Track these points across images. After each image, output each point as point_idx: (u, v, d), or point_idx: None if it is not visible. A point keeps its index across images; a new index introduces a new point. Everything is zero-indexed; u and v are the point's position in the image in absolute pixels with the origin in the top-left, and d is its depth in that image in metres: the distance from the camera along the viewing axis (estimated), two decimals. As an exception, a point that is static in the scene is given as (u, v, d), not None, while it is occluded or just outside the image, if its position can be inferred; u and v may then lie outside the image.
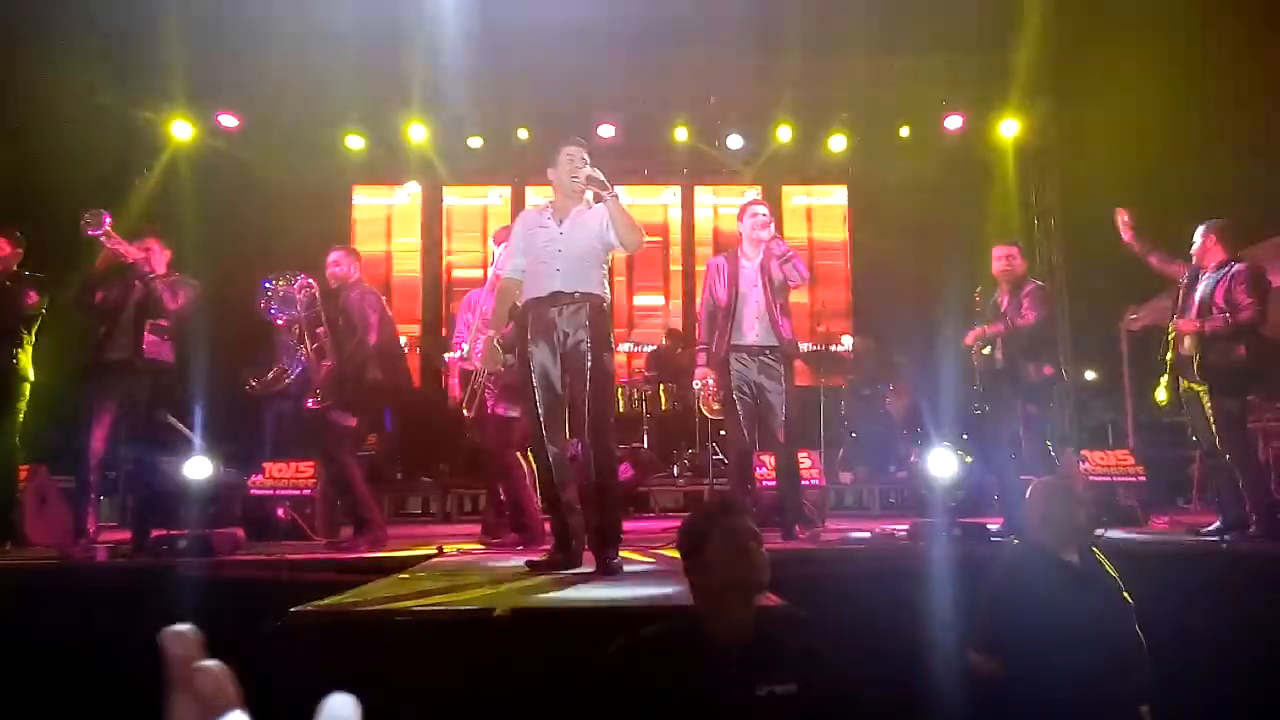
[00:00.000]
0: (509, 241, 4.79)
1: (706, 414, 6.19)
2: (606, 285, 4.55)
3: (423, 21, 8.37)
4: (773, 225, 5.60)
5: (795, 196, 11.38)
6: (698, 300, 9.33)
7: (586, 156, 4.52)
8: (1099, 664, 3.06)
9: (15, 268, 5.68)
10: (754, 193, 10.63)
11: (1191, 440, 7.57)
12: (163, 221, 8.45)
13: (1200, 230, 5.61)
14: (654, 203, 11.33)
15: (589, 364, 4.31)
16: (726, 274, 5.59)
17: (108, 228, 5.33)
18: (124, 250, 5.44)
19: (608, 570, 4.19)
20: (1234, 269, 5.43)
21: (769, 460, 5.90)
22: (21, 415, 5.67)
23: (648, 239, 4.99)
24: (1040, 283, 6.11)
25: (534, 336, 4.42)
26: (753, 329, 5.52)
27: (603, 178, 4.34)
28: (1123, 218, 5.77)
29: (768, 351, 5.51)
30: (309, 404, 5.61)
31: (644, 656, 2.41)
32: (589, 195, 4.52)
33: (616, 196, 4.37)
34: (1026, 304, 5.66)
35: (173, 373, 5.68)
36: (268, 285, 5.66)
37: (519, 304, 4.62)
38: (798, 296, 10.25)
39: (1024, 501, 3.46)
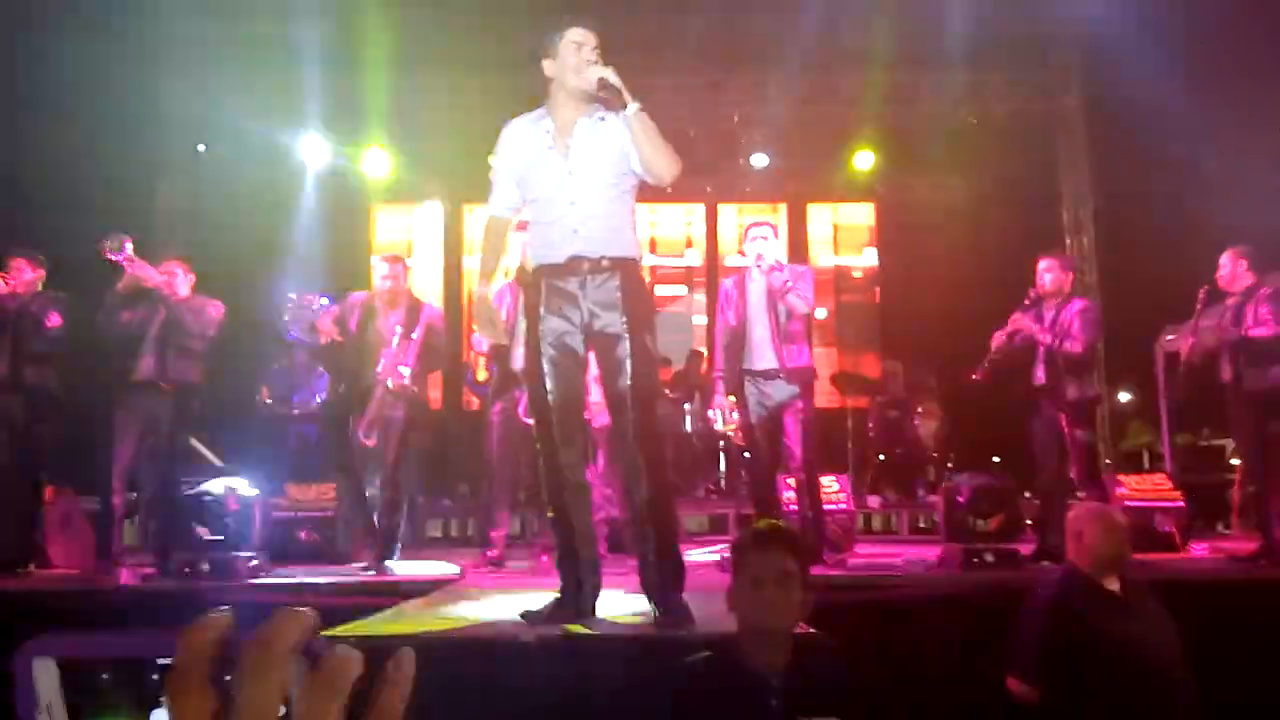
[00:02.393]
0: (495, 166, 3.66)
1: (731, 439, 6.10)
2: (637, 236, 3.62)
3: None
4: (774, 248, 5.46)
5: (821, 214, 11.30)
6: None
7: (597, 48, 3.44)
8: (1144, 692, 2.98)
9: (39, 289, 5.69)
10: (781, 211, 10.60)
11: (1230, 464, 7.47)
12: (184, 242, 8.50)
13: (1226, 255, 5.56)
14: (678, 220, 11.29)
15: (628, 350, 3.36)
16: (735, 299, 5.53)
17: (129, 252, 5.34)
18: (145, 275, 5.44)
19: (673, 615, 3.23)
20: (1260, 290, 5.40)
21: (793, 483, 5.82)
22: (47, 436, 5.66)
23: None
24: (1088, 301, 5.96)
25: (547, 314, 3.43)
26: (764, 355, 5.41)
27: (619, 82, 3.31)
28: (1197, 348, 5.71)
29: (781, 374, 5.39)
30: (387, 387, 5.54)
31: (683, 686, 2.36)
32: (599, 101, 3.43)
33: (641, 110, 3.34)
34: (1076, 327, 5.53)
35: (198, 394, 5.67)
36: (318, 302, 5.65)
37: (527, 265, 3.71)
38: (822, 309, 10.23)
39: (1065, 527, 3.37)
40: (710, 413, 5.71)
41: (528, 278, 3.66)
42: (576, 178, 3.41)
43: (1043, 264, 5.73)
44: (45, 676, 0.56)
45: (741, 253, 5.67)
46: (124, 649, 0.58)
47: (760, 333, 5.42)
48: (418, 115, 9.83)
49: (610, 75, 3.28)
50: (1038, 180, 9.97)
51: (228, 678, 0.54)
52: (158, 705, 0.56)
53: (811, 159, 10.42)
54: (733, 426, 5.62)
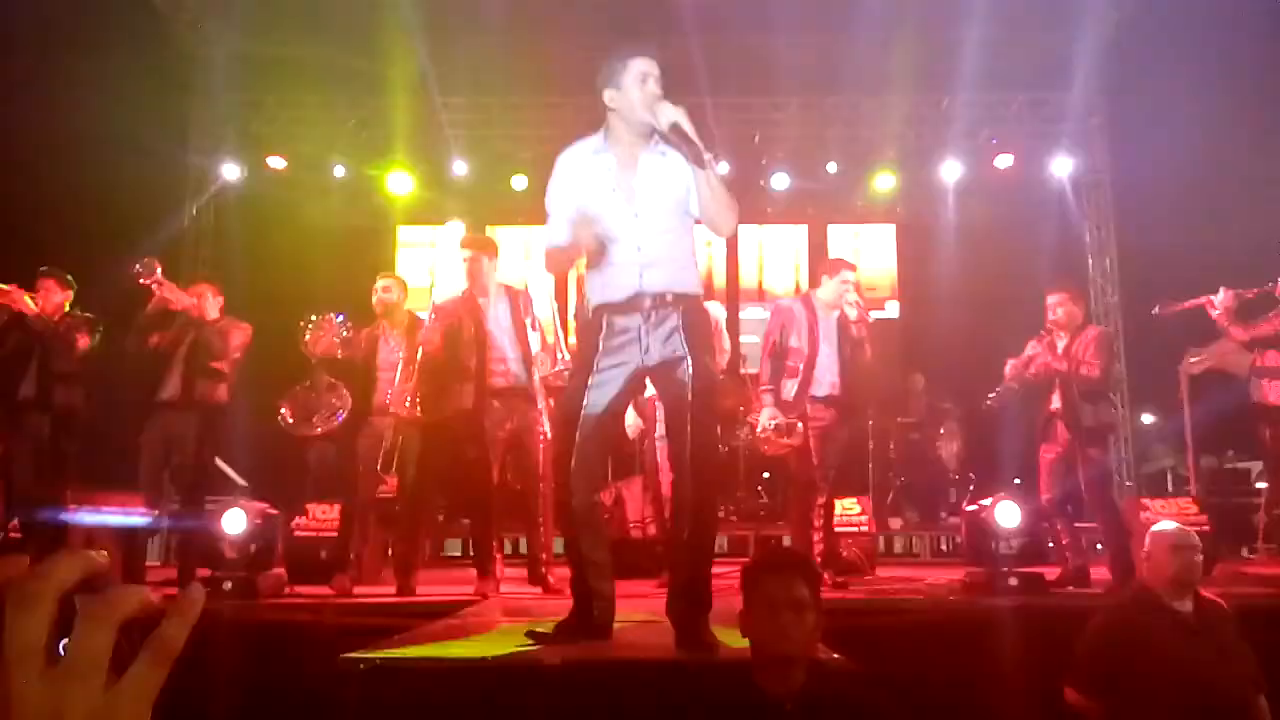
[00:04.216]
0: (550, 200, 3.49)
1: (766, 450, 6.00)
2: (698, 270, 3.49)
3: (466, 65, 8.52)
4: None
5: (842, 235, 11.28)
6: (742, 338, 9.24)
7: (659, 78, 3.27)
8: (1205, 715, 2.97)
9: (66, 309, 5.76)
10: (802, 231, 10.61)
11: (1256, 487, 7.38)
12: (210, 263, 8.60)
13: None
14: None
15: (689, 372, 3.24)
16: (806, 323, 5.57)
17: (159, 275, 5.46)
18: (174, 298, 5.54)
19: (700, 646, 3.05)
20: None
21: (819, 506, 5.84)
22: (73, 455, 5.72)
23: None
24: (1101, 328, 5.94)
25: (606, 351, 3.32)
26: (829, 381, 5.54)
27: (693, 132, 3.13)
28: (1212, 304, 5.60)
29: (838, 402, 5.54)
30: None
31: (698, 712, 2.35)
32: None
33: (716, 160, 3.24)
34: (1091, 352, 5.52)
35: (223, 414, 5.73)
36: (335, 322, 5.65)
37: (588, 304, 3.51)
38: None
39: (1140, 549, 3.38)
40: (760, 428, 5.65)
41: (585, 315, 3.53)
42: (642, 220, 3.30)
43: (1053, 298, 5.71)
44: None
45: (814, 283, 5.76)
46: None
47: (826, 361, 5.54)
48: (440, 135, 9.91)
49: (684, 122, 3.12)
50: (1059, 200, 9.94)
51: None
52: None
53: (832, 180, 10.42)
54: (784, 440, 5.57)
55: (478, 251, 5.55)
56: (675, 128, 3.12)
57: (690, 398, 3.23)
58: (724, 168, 2.89)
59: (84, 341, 5.65)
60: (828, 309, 5.63)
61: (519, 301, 5.53)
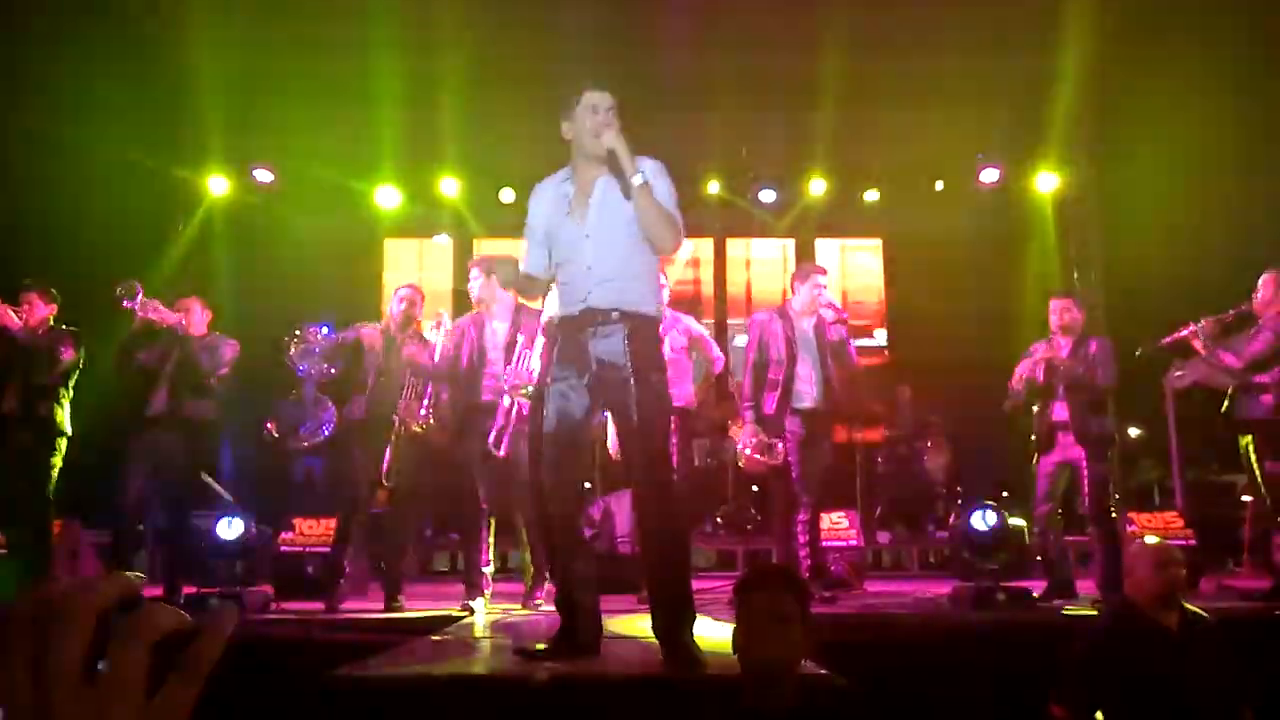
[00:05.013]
0: (526, 228, 3.72)
1: (743, 467, 5.99)
2: (656, 292, 3.65)
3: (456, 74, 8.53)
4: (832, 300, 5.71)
5: (829, 250, 11.30)
6: (731, 354, 9.26)
7: (613, 109, 3.45)
8: None
9: (50, 323, 5.74)
10: (789, 246, 10.63)
11: (1241, 500, 7.40)
12: (198, 277, 8.58)
13: (1266, 277, 5.47)
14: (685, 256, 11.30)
15: (634, 389, 3.36)
16: (782, 334, 5.57)
17: (141, 298, 5.43)
18: (159, 316, 5.52)
19: (685, 661, 3.14)
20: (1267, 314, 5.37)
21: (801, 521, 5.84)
22: (56, 470, 5.68)
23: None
24: (1104, 338, 5.94)
25: (558, 363, 3.51)
26: (809, 393, 5.54)
27: (628, 153, 3.36)
28: (1195, 335, 5.58)
29: (820, 413, 5.55)
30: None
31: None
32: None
33: (646, 184, 3.37)
34: (1102, 360, 5.55)
35: (210, 430, 5.71)
36: (317, 332, 5.62)
37: (553, 319, 3.75)
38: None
39: (1123, 564, 3.40)
40: (742, 441, 5.61)
41: (551, 329, 3.74)
42: (593, 240, 3.47)
43: (1059, 304, 5.76)
44: None
45: (788, 289, 5.82)
46: None
47: (805, 372, 5.55)
48: (429, 149, 9.90)
49: (618, 146, 3.34)
50: (1044, 216, 9.99)
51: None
52: None
53: (819, 194, 10.43)
54: (759, 457, 5.55)
55: (483, 269, 5.57)
56: (610, 153, 3.37)
57: (638, 417, 3.36)
58: (663, 189, 3.06)
59: (69, 355, 5.63)
60: (803, 317, 5.65)
61: (522, 319, 5.48)
